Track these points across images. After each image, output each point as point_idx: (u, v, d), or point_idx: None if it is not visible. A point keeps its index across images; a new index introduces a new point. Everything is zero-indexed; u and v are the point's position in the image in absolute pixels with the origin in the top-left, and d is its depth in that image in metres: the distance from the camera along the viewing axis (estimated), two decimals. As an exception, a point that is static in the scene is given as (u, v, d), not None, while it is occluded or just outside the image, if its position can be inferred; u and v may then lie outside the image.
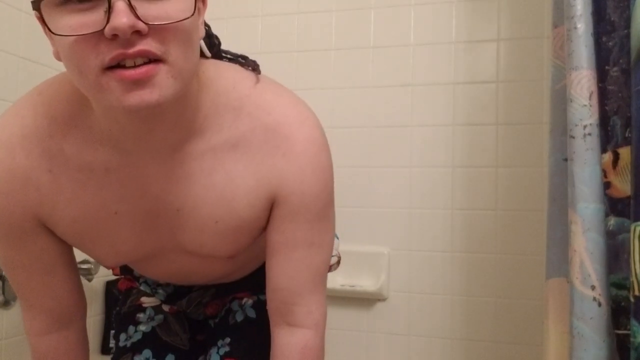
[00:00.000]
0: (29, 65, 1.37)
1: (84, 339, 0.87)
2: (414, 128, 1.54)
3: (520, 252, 1.45)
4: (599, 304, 0.76)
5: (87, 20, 0.54)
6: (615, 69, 0.84)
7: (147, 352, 0.92)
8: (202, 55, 0.73)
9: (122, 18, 0.52)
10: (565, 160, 0.86)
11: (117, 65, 0.55)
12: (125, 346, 0.94)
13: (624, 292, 0.79)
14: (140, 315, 0.97)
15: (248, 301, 0.95)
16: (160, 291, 0.97)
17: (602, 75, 0.84)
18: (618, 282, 0.80)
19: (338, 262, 1.07)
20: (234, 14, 1.70)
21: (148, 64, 0.56)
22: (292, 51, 1.64)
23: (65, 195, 0.68)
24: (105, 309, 1.66)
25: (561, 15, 0.89)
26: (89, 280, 1.51)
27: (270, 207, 0.72)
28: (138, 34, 0.54)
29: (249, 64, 0.79)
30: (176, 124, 0.66)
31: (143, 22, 0.54)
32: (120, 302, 1.02)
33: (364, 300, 1.52)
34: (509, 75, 1.48)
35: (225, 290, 0.96)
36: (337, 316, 1.53)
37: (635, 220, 0.70)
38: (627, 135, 0.81)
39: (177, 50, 0.57)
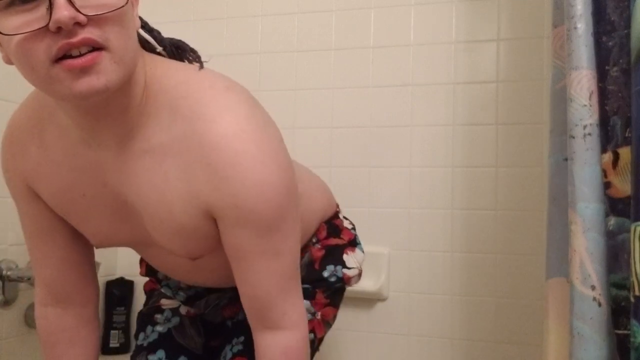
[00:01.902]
0: (29, 65, 1.38)
1: (84, 327, 0.91)
2: (414, 128, 1.54)
3: (520, 252, 1.45)
4: (599, 304, 0.76)
5: (32, 19, 0.59)
6: (615, 69, 0.84)
7: (160, 353, 0.97)
8: (152, 50, 0.78)
9: (63, 11, 0.58)
10: (565, 160, 0.86)
11: (64, 56, 0.60)
12: (142, 345, 0.99)
13: (624, 292, 0.79)
14: (158, 316, 1.02)
15: None
16: (181, 293, 1.02)
17: (602, 75, 0.84)
18: (618, 282, 0.80)
19: (359, 275, 1.09)
20: (234, 14, 1.70)
21: (92, 52, 0.61)
22: (292, 51, 1.64)
23: (45, 170, 0.78)
24: (105, 308, 1.66)
25: (561, 15, 0.89)
26: (89, 280, 1.51)
27: (213, 219, 0.73)
28: (79, 25, 0.59)
29: (195, 59, 0.81)
30: (120, 118, 0.70)
31: (82, 14, 0.59)
32: (144, 303, 1.08)
33: (364, 300, 1.52)
34: (509, 75, 1.48)
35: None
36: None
37: (636, 220, 0.70)
38: (627, 135, 0.81)
39: (116, 37, 0.62)
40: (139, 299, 1.70)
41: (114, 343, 1.64)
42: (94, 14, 0.60)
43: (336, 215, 1.13)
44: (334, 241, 1.06)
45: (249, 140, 0.69)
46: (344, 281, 1.03)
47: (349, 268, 1.04)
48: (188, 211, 0.72)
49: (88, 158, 0.75)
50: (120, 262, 1.73)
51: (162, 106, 0.71)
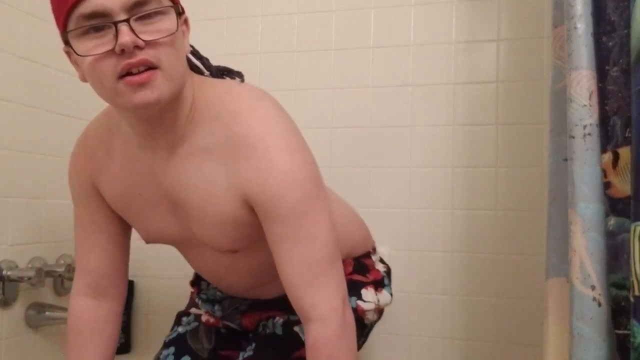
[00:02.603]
0: (29, 65, 1.38)
1: (111, 322, 1.01)
2: (414, 128, 1.54)
3: (520, 252, 1.45)
4: (599, 304, 0.76)
5: (101, 43, 0.75)
6: (615, 69, 0.84)
7: (171, 349, 1.06)
8: (201, 73, 0.94)
9: (126, 37, 0.73)
10: (565, 160, 0.86)
11: (126, 74, 0.75)
12: (165, 341, 1.09)
13: (624, 292, 0.79)
14: (184, 319, 1.13)
15: (279, 320, 1.01)
16: (217, 307, 1.11)
17: (602, 75, 0.84)
18: (618, 282, 0.80)
19: (377, 312, 1.07)
20: (234, 14, 1.70)
21: (148, 70, 0.75)
22: (292, 51, 1.64)
23: (110, 173, 0.93)
24: (105, 309, 1.66)
25: (561, 16, 0.89)
26: (89, 280, 1.52)
27: (250, 207, 0.83)
28: (138, 48, 0.74)
29: (237, 76, 0.95)
30: (171, 127, 0.84)
31: (141, 39, 0.74)
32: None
33: (364, 300, 1.52)
34: (509, 75, 1.48)
35: (261, 306, 1.05)
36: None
37: (635, 220, 0.70)
38: (627, 135, 0.81)
39: (167, 58, 0.77)
40: (140, 299, 1.71)
41: (114, 343, 1.64)
42: (149, 39, 0.75)
43: (368, 255, 1.14)
44: (357, 277, 1.06)
45: (278, 139, 0.82)
46: (357, 312, 1.00)
47: (364, 301, 1.02)
48: (229, 202, 0.83)
49: (145, 162, 0.89)
50: (120, 262, 1.73)
51: (207, 116, 0.84)
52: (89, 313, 0.99)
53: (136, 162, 0.90)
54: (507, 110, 1.48)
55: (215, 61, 1.71)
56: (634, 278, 0.69)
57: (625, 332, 0.78)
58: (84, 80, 0.82)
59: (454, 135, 1.51)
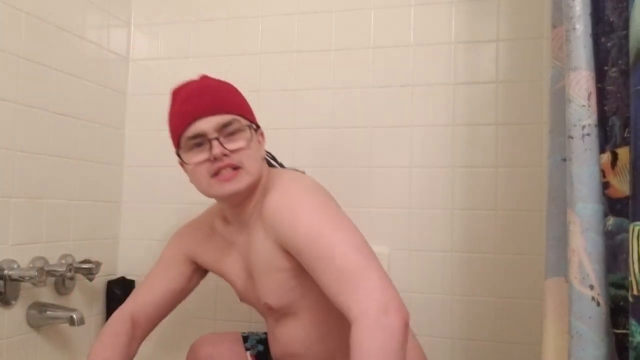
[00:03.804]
0: (29, 65, 1.38)
1: (132, 344, 1.20)
2: (414, 128, 1.54)
3: (519, 252, 1.45)
4: (598, 304, 0.76)
5: (201, 154, 1.07)
6: (614, 69, 0.84)
7: None
8: (273, 165, 1.25)
9: (216, 149, 1.05)
10: (564, 160, 0.86)
11: (217, 174, 1.06)
12: None
13: (622, 292, 0.80)
14: None
15: None
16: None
17: (600, 75, 0.84)
18: (617, 282, 0.80)
19: None
20: (234, 14, 1.70)
21: (233, 170, 1.07)
22: (292, 51, 1.64)
23: (210, 244, 1.24)
24: (107, 308, 1.66)
25: (560, 16, 0.89)
26: (90, 279, 1.52)
27: (285, 250, 1.05)
28: (225, 155, 1.06)
29: (298, 170, 1.23)
30: (248, 208, 1.13)
31: (227, 149, 1.06)
32: None
33: (364, 300, 1.52)
34: (508, 76, 1.49)
35: None
36: None
37: (634, 220, 0.71)
38: (625, 135, 0.82)
39: (247, 161, 1.08)
40: (140, 299, 1.71)
41: (114, 342, 1.64)
42: (233, 148, 1.07)
43: None
44: None
45: (289, 196, 1.07)
46: None
47: None
48: (274, 251, 1.07)
49: (232, 236, 1.20)
50: (121, 262, 1.73)
51: (264, 191, 1.11)
52: (119, 327, 1.20)
53: (229, 238, 1.20)
54: (506, 110, 1.48)
55: (215, 61, 1.72)
56: (632, 278, 0.69)
57: (624, 331, 0.78)
58: (191, 181, 1.13)
59: (454, 135, 1.51)
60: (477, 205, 1.49)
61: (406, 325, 0.91)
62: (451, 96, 1.52)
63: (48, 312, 1.39)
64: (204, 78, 1.18)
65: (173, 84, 1.76)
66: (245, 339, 1.31)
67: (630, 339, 0.70)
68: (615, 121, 0.83)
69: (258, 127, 1.16)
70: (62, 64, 1.49)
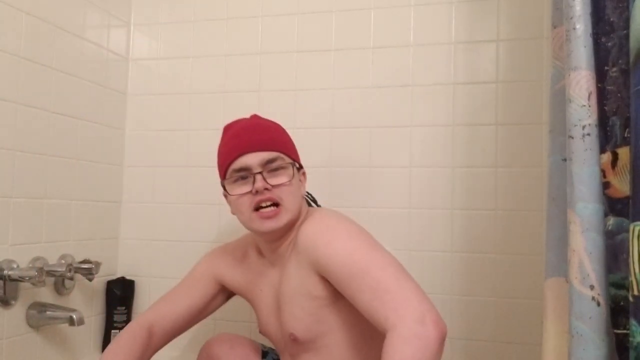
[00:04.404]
0: (29, 65, 1.38)
1: (148, 351, 1.19)
2: (414, 128, 1.54)
3: (519, 252, 1.45)
4: (598, 304, 0.76)
5: (244, 187, 1.12)
6: (614, 69, 0.84)
7: None
8: (311, 205, 1.29)
9: (259, 183, 1.10)
10: (565, 160, 0.86)
11: (258, 208, 1.11)
12: None
13: (623, 292, 0.79)
14: None
15: None
16: None
17: (601, 75, 0.84)
18: (617, 282, 0.80)
19: None
20: (234, 14, 1.70)
21: (273, 206, 1.11)
22: (292, 51, 1.64)
23: (240, 270, 1.27)
24: (107, 308, 1.66)
25: (560, 16, 0.89)
26: (90, 280, 1.52)
27: (319, 274, 1.08)
28: (267, 190, 1.10)
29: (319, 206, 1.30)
30: (284, 243, 1.17)
31: (269, 184, 1.10)
32: None
33: (363, 300, 1.52)
34: (508, 76, 1.49)
35: None
36: None
37: (634, 220, 0.70)
38: (626, 135, 0.82)
39: (287, 198, 1.12)
40: (140, 299, 1.71)
41: (114, 343, 1.64)
42: (275, 184, 1.11)
43: None
44: None
45: (317, 228, 1.10)
46: None
47: None
48: (307, 277, 1.09)
49: (265, 269, 1.22)
50: (121, 262, 1.73)
51: (299, 229, 1.13)
52: (137, 336, 1.19)
53: (262, 267, 1.23)
54: (506, 110, 1.48)
55: (215, 61, 1.72)
56: (632, 278, 0.69)
57: (624, 331, 0.78)
58: (233, 213, 1.17)
59: (453, 135, 1.51)
60: (477, 205, 1.49)
61: (443, 338, 0.92)
62: (451, 96, 1.52)
63: (48, 312, 1.39)
64: (254, 117, 1.24)
65: (173, 83, 1.77)
66: (264, 354, 1.30)
67: (630, 339, 0.69)
68: (616, 121, 0.83)
69: (301, 166, 1.21)
70: (62, 64, 1.48)
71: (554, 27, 0.93)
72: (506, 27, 1.50)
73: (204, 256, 1.35)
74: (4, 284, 1.28)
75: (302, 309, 1.11)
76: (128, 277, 1.70)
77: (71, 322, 1.36)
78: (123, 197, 1.75)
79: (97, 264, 1.50)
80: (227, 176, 1.15)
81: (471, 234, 1.49)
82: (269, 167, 1.12)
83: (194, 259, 1.69)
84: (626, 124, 0.81)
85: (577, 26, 0.82)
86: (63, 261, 1.46)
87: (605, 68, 0.84)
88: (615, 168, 0.82)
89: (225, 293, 1.31)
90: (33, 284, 1.32)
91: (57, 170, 1.47)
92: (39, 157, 1.41)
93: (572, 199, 0.80)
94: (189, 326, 1.28)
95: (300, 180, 1.19)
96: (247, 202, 1.11)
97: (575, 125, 0.81)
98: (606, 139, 0.84)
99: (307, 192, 1.27)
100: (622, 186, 0.81)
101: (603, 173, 0.82)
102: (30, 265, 1.36)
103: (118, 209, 1.74)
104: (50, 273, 1.38)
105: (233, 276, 1.28)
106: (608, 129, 0.84)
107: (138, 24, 1.79)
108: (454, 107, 1.52)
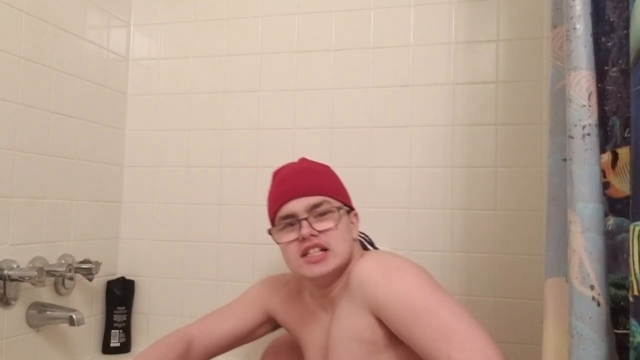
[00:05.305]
0: (29, 65, 1.38)
1: None
2: (414, 128, 1.54)
3: (519, 252, 1.45)
4: (598, 304, 0.76)
5: (291, 234, 1.11)
6: (614, 69, 0.84)
7: None
8: (366, 248, 1.25)
9: (305, 230, 1.09)
10: (565, 160, 0.86)
11: (305, 254, 1.09)
12: None
13: (623, 292, 0.79)
14: None
15: None
16: None
17: (601, 75, 0.84)
18: (617, 282, 0.80)
19: None
20: (234, 14, 1.70)
21: (321, 252, 1.09)
22: (292, 51, 1.64)
23: (293, 307, 1.24)
24: (106, 308, 1.66)
25: (560, 16, 0.89)
26: (90, 280, 1.52)
27: (375, 315, 1.04)
28: (314, 236, 1.09)
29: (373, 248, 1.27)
30: (333, 286, 1.14)
31: (316, 230, 1.09)
32: None
33: (364, 300, 1.52)
34: (508, 76, 1.49)
35: None
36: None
37: (634, 220, 0.70)
38: (626, 135, 0.82)
39: (335, 243, 1.10)
40: (140, 299, 1.71)
41: (114, 343, 1.64)
42: (321, 229, 1.09)
43: None
44: None
45: (370, 271, 1.05)
46: None
47: None
48: (359, 318, 1.06)
49: (318, 309, 1.19)
50: (121, 262, 1.73)
51: (350, 272, 1.10)
52: (176, 345, 1.20)
53: (315, 308, 1.20)
54: (506, 110, 1.48)
55: (215, 61, 1.72)
56: (633, 278, 0.69)
57: (625, 331, 0.78)
58: (284, 259, 1.15)
59: (453, 135, 1.51)
60: (477, 205, 1.49)
61: None
62: (451, 96, 1.52)
63: (48, 312, 1.39)
64: (302, 161, 1.23)
65: (173, 84, 1.77)
66: None
67: (630, 339, 0.69)
68: (616, 121, 0.83)
69: (351, 209, 1.19)
70: (62, 64, 1.48)
71: (554, 27, 0.93)
72: (506, 27, 1.50)
73: (259, 282, 1.33)
74: (4, 284, 1.28)
75: (349, 355, 1.07)
76: (128, 277, 1.70)
77: (71, 322, 1.36)
78: (123, 197, 1.75)
79: (97, 264, 1.50)
80: (276, 223, 1.14)
81: (471, 234, 1.49)
82: (315, 212, 1.11)
83: (193, 259, 1.69)
84: (626, 124, 0.81)
85: (577, 26, 0.82)
86: (63, 261, 1.46)
87: (606, 68, 0.84)
88: (616, 168, 0.82)
89: (273, 323, 1.30)
90: (33, 284, 1.32)
91: (57, 170, 1.47)
92: (39, 157, 1.41)
93: (572, 199, 0.80)
94: (230, 348, 1.28)
95: (352, 223, 1.17)
96: (295, 249, 1.10)
97: (575, 125, 0.81)
98: (606, 139, 0.83)
99: (363, 234, 1.25)
100: (622, 186, 0.81)
101: (603, 173, 0.82)
102: (31, 265, 1.36)
103: (118, 209, 1.74)
104: (50, 273, 1.38)
105: (285, 312, 1.26)
106: (608, 129, 0.84)
107: (138, 24, 1.79)
108: (454, 107, 1.52)
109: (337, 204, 1.14)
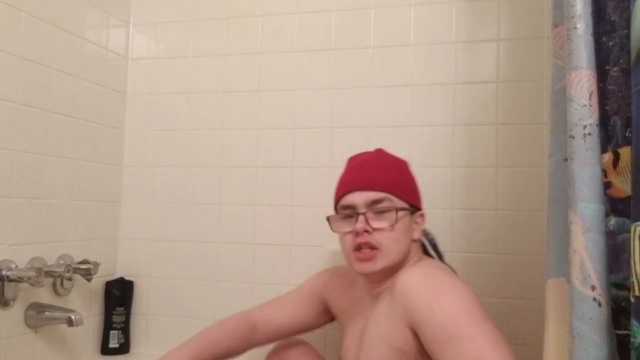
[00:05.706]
0: (29, 65, 1.37)
1: (245, 344, 1.27)
2: (414, 128, 1.54)
3: (520, 252, 1.45)
4: (599, 304, 0.76)
5: (348, 225, 1.12)
6: (615, 68, 0.83)
7: None
8: (426, 250, 1.24)
9: (359, 224, 1.09)
10: (565, 160, 0.86)
11: (358, 248, 1.10)
12: None
13: (624, 293, 0.79)
14: None
15: None
16: None
17: (602, 75, 0.84)
18: (618, 282, 0.80)
19: None
20: (234, 14, 1.70)
21: (371, 250, 1.09)
22: (292, 51, 1.64)
23: (345, 296, 1.26)
24: (105, 309, 1.66)
25: (561, 15, 0.89)
26: (89, 280, 1.52)
27: (411, 329, 1.01)
28: (367, 232, 1.08)
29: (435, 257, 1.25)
30: (382, 283, 1.14)
31: (370, 226, 1.09)
32: None
33: (363, 301, 1.52)
34: (508, 75, 1.48)
35: None
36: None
37: (636, 220, 0.70)
38: (627, 135, 0.81)
39: (387, 242, 1.09)
40: (139, 300, 1.71)
41: (113, 343, 1.64)
42: (376, 227, 1.09)
43: None
44: None
45: (419, 283, 1.02)
46: None
47: None
48: (394, 325, 1.04)
49: (366, 299, 1.19)
50: (120, 263, 1.73)
51: (399, 274, 1.08)
52: (239, 326, 1.26)
53: (363, 298, 1.20)
54: (507, 110, 1.48)
55: (215, 61, 1.72)
56: (634, 278, 0.69)
57: (626, 332, 0.78)
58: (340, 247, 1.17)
59: (453, 135, 1.51)
60: (478, 205, 1.48)
61: None
62: (451, 96, 1.52)
63: (46, 313, 1.38)
64: (378, 151, 1.22)
65: (172, 83, 1.76)
66: None
67: (632, 339, 0.69)
68: (617, 121, 0.83)
69: (417, 209, 1.17)
70: (61, 64, 1.48)
71: (555, 26, 0.93)
72: (507, 27, 1.50)
73: (315, 274, 1.36)
74: (3, 284, 1.28)
75: (377, 355, 1.07)
76: (127, 278, 1.70)
77: (70, 322, 1.36)
78: (122, 197, 1.75)
79: (96, 265, 1.50)
80: (337, 211, 1.16)
81: (471, 234, 1.48)
82: (374, 207, 1.10)
83: (193, 259, 1.69)
84: (627, 124, 0.81)
85: (578, 25, 0.82)
86: (62, 261, 1.46)
87: (606, 67, 0.84)
88: (617, 168, 0.82)
89: (329, 314, 1.31)
90: (32, 284, 1.32)
91: (56, 170, 1.47)
92: (38, 157, 1.41)
93: (573, 199, 0.80)
94: (291, 335, 1.31)
95: (416, 223, 1.15)
96: (349, 241, 1.10)
97: (576, 125, 0.81)
98: (607, 138, 0.83)
99: (428, 234, 1.24)
100: (623, 186, 0.81)
101: (604, 173, 0.82)
102: (29, 265, 1.36)
103: (117, 209, 1.74)
104: (48, 273, 1.37)
105: (338, 300, 1.28)
106: (609, 128, 0.83)
107: (137, 23, 1.79)
108: (454, 107, 1.51)
109: (400, 203, 1.12)
